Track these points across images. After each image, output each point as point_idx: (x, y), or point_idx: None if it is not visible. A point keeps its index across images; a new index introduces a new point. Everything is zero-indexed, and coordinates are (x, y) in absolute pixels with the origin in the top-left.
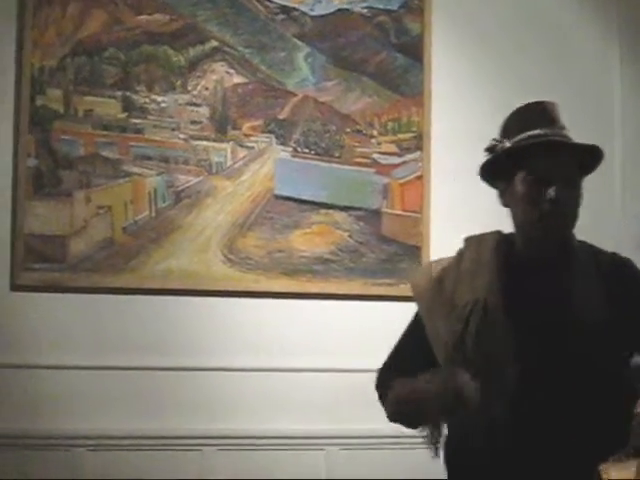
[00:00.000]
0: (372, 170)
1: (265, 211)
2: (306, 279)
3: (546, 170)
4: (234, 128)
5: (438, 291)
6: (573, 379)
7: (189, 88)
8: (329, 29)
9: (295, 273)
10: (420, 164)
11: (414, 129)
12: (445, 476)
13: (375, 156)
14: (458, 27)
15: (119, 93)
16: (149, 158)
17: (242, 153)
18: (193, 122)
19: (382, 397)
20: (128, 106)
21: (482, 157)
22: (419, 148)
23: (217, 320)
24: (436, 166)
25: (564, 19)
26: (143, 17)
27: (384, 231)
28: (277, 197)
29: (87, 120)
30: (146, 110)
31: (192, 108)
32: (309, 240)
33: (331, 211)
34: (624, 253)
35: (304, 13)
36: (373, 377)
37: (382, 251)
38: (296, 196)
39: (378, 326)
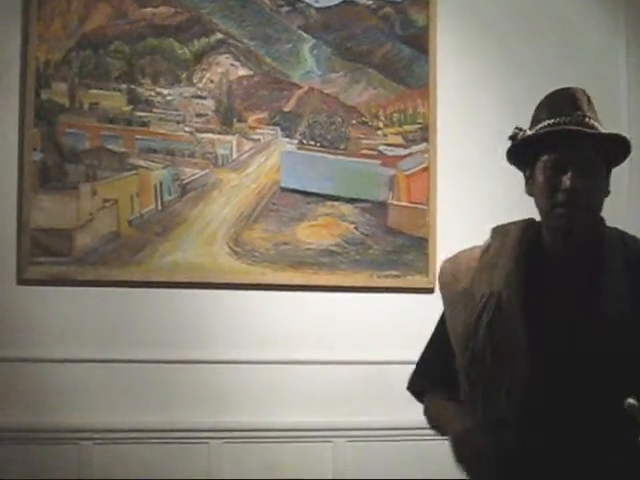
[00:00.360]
0: (378, 162)
1: (271, 203)
2: (312, 271)
3: (562, 159)
4: (239, 121)
5: (460, 281)
6: (588, 377)
7: (194, 81)
8: (334, 21)
9: (301, 265)
10: (426, 155)
11: (420, 121)
12: (451, 468)
13: (381, 148)
14: (463, 18)
15: (124, 86)
16: (155, 151)
17: (248, 146)
18: (198, 115)
19: (417, 396)
20: (133, 99)
21: (488, 148)
22: (425, 140)
23: (223, 313)
24: (442, 157)
25: (570, 10)
26: (148, 10)
27: (390, 223)
28: (283, 189)
29: (92, 113)
30: (151, 103)
31: (197, 101)
32: (315, 232)
33: (337, 203)
34: None
35: (309, 5)
36: (380, 369)
37: (388, 243)
38: (302, 188)
39: (384, 318)
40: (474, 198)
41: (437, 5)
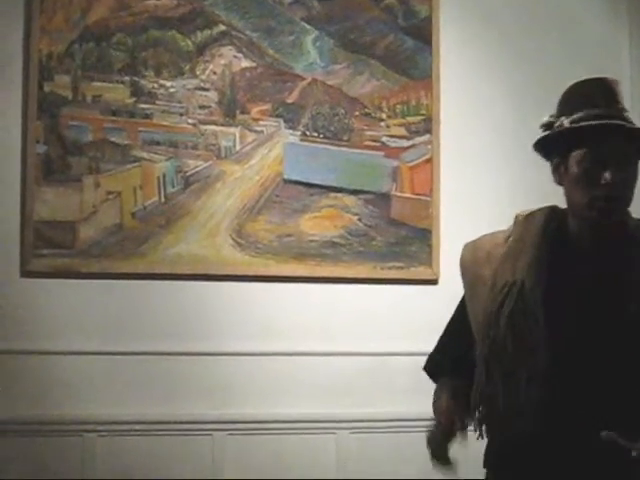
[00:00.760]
0: (381, 153)
1: (274, 195)
2: (315, 263)
3: (602, 153)
4: (242, 112)
5: (481, 266)
6: (608, 367)
7: (197, 73)
8: (337, 12)
9: (304, 257)
10: (429, 147)
11: (423, 112)
12: (454, 459)
13: (384, 139)
14: (466, 9)
15: (127, 78)
16: (158, 143)
17: (251, 137)
18: (201, 107)
19: (433, 378)
20: (136, 91)
21: (491, 139)
22: (428, 131)
23: (226, 305)
24: (445, 149)
25: (573, 0)
26: (150, 2)
27: (393, 214)
28: (286, 181)
29: (95, 106)
30: (154, 95)
31: (200, 93)
32: (318, 224)
33: (340, 195)
34: None
35: None
36: (383, 360)
37: (391, 234)
38: (305, 180)
39: (387, 310)
40: (477, 189)
41: None
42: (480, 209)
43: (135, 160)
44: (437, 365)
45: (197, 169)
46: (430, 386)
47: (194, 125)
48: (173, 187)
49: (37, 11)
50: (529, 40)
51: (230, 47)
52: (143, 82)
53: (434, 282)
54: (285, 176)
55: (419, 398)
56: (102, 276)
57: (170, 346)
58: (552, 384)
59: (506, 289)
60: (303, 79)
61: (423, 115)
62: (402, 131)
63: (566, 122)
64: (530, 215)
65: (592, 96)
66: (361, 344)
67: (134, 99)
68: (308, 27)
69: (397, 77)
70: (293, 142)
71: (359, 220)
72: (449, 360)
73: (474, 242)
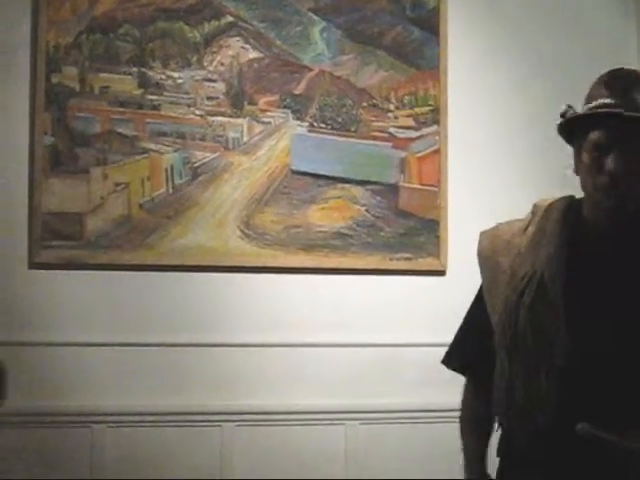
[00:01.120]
0: (389, 144)
1: (282, 186)
2: (323, 254)
3: (606, 140)
4: (250, 103)
5: (500, 256)
6: (628, 360)
7: (205, 64)
8: (344, 3)
9: (312, 248)
10: (437, 138)
11: (431, 103)
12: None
13: (392, 130)
14: (474, 0)
15: (135, 70)
16: (165, 134)
17: (258, 128)
18: (209, 98)
19: (455, 371)
20: (144, 83)
21: (499, 129)
22: (436, 122)
23: (235, 296)
24: (453, 139)
25: None
26: None
27: (401, 205)
28: (294, 172)
29: (103, 97)
30: (162, 86)
31: (208, 84)
32: (326, 215)
33: (348, 186)
34: None
35: None
36: (392, 351)
37: (400, 225)
38: (313, 171)
39: (396, 300)
40: (485, 180)
41: None
42: (488, 200)
43: (143, 151)
44: (457, 362)
45: (205, 160)
46: (439, 377)
47: (202, 116)
48: (181, 178)
49: (44, 3)
50: (536, 31)
51: (237, 38)
52: (150, 73)
53: (442, 273)
54: (293, 167)
55: (428, 389)
56: (110, 267)
57: (178, 337)
58: (572, 377)
59: (526, 279)
60: (311, 70)
61: (431, 106)
62: (410, 122)
63: (584, 109)
64: (550, 205)
65: (608, 86)
66: (369, 335)
67: (142, 90)
68: (315, 18)
69: (405, 68)
70: (301, 133)
71: (367, 211)
72: (469, 356)
73: (492, 231)
